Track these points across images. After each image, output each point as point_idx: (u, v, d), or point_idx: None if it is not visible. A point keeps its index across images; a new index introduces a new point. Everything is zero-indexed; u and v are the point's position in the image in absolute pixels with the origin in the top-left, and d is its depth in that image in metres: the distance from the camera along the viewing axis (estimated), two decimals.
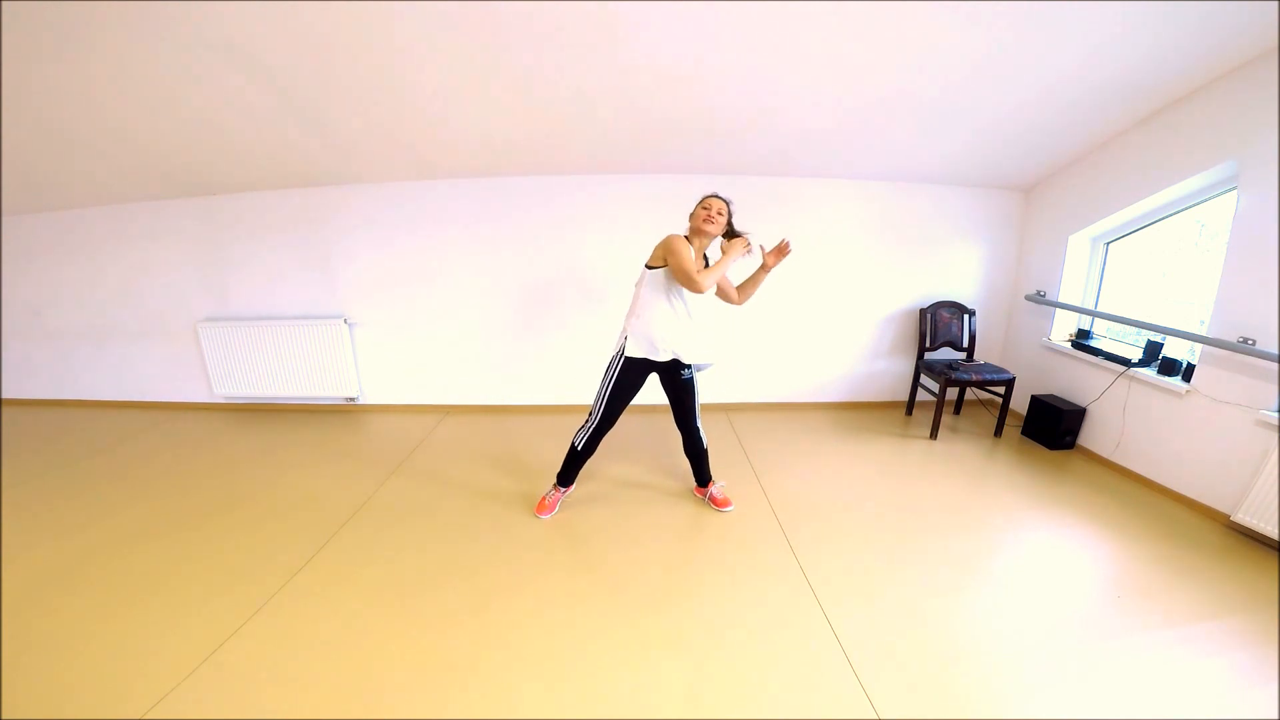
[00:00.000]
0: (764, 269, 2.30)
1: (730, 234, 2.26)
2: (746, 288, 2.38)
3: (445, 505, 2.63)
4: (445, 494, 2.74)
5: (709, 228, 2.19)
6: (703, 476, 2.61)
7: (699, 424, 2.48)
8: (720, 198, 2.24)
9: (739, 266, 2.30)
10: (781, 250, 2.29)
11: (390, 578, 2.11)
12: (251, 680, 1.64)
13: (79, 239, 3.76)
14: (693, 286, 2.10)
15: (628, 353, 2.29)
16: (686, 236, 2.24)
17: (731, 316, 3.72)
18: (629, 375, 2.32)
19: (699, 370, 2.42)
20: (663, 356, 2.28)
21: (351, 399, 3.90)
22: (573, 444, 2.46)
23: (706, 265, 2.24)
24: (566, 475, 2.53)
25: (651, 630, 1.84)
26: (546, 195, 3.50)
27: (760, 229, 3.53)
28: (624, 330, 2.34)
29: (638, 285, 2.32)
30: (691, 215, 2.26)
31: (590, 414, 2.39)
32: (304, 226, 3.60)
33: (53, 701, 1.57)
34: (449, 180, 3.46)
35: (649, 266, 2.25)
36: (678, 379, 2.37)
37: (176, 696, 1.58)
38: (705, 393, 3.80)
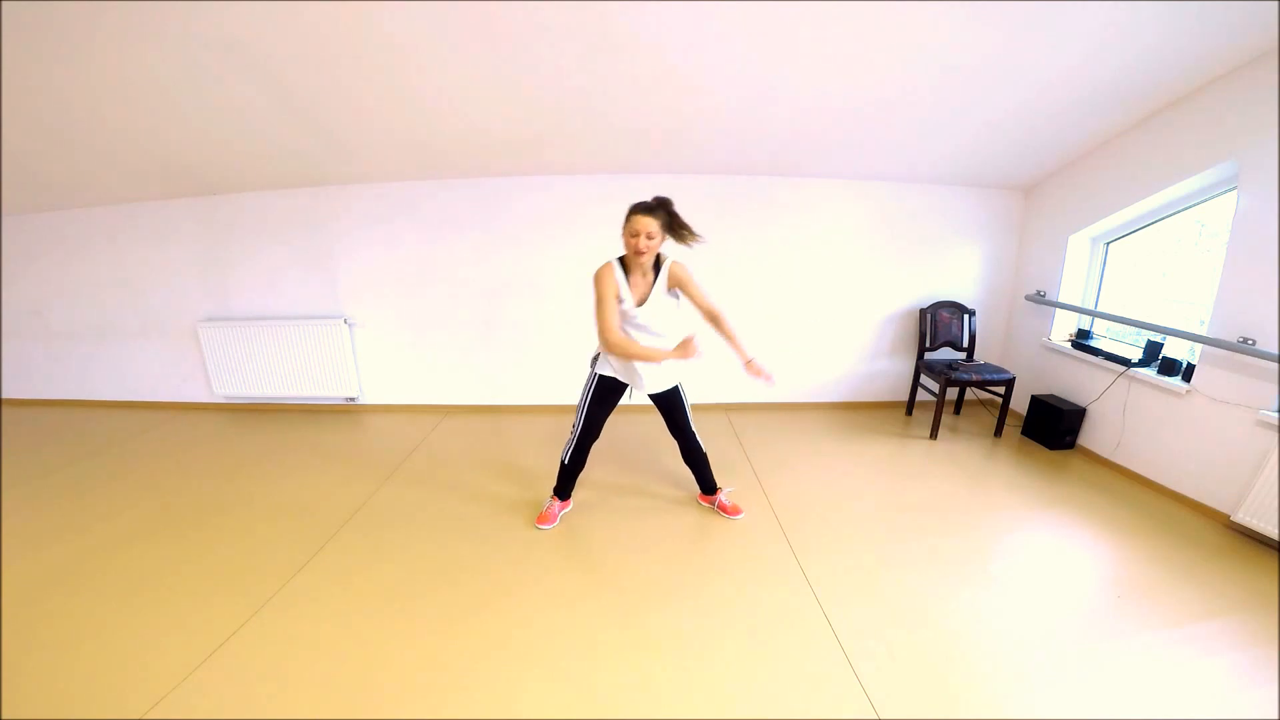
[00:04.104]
0: (746, 364, 2.19)
1: (677, 228, 2.02)
2: (723, 331, 2.20)
3: (445, 505, 2.63)
4: (445, 495, 2.74)
5: (640, 259, 2.02)
6: (707, 484, 2.55)
7: (694, 431, 2.42)
8: (647, 212, 1.96)
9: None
10: (758, 374, 2.17)
11: (390, 578, 2.11)
12: (251, 680, 1.64)
13: (79, 239, 3.76)
14: (602, 338, 2.04)
15: (599, 371, 2.27)
16: (625, 259, 2.09)
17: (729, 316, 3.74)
18: (604, 391, 2.29)
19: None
20: (624, 380, 2.23)
21: (351, 399, 3.90)
22: (560, 459, 2.43)
23: (657, 275, 2.10)
24: (562, 488, 2.51)
25: (651, 630, 1.84)
26: (546, 195, 3.50)
27: (760, 229, 3.60)
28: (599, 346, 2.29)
29: None
30: (623, 237, 2.03)
31: (573, 426, 2.35)
32: (304, 226, 3.60)
33: (53, 701, 1.57)
34: (449, 180, 3.46)
35: None
36: (661, 394, 2.31)
37: (176, 696, 1.58)
38: (706, 393, 3.85)
